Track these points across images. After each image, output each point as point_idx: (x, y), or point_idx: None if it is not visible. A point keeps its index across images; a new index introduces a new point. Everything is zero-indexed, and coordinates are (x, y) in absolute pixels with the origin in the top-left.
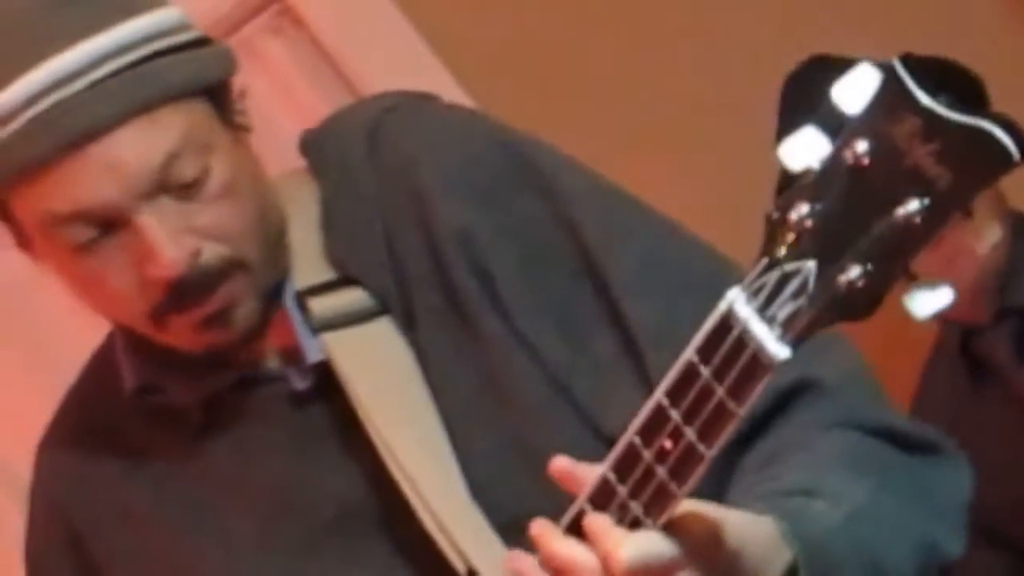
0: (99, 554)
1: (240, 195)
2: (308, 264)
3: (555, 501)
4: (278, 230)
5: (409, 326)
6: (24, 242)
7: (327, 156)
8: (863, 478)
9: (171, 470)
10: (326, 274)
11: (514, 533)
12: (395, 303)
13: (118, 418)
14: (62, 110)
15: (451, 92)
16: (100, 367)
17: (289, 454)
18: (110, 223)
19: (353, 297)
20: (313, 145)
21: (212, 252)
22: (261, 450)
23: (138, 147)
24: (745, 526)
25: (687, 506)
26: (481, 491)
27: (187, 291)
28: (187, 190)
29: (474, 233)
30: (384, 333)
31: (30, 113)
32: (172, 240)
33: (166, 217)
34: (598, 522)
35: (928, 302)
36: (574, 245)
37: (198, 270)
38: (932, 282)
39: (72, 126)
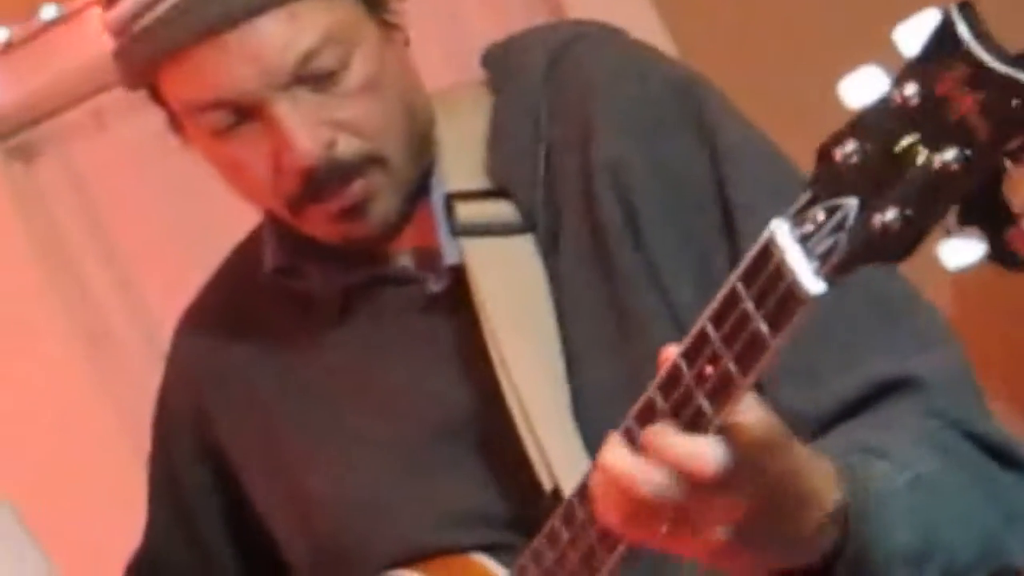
0: (221, 432)
1: (381, 92)
2: (464, 170)
3: None
4: (423, 131)
5: (550, 248)
6: (175, 125)
7: (507, 71)
8: (937, 456)
9: (299, 358)
10: (480, 183)
11: None
12: (541, 223)
13: (256, 301)
14: None
15: (656, 34)
16: (247, 249)
17: (411, 356)
18: (247, 111)
19: (501, 209)
20: (496, 59)
21: (347, 145)
22: (385, 349)
23: (276, 39)
24: (804, 454)
25: (751, 416)
26: (588, 421)
27: (321, 182)
28: (325, 82)
29: (627, 167)
30: (523, 250)
31: (172, 0)
32: (306, 130)
33: (302, 108)
34: (659, 432)
35: (960, 254)
36: (721, 200)
37: (332, 162)
38: (967, 234)
39: (209, 13)
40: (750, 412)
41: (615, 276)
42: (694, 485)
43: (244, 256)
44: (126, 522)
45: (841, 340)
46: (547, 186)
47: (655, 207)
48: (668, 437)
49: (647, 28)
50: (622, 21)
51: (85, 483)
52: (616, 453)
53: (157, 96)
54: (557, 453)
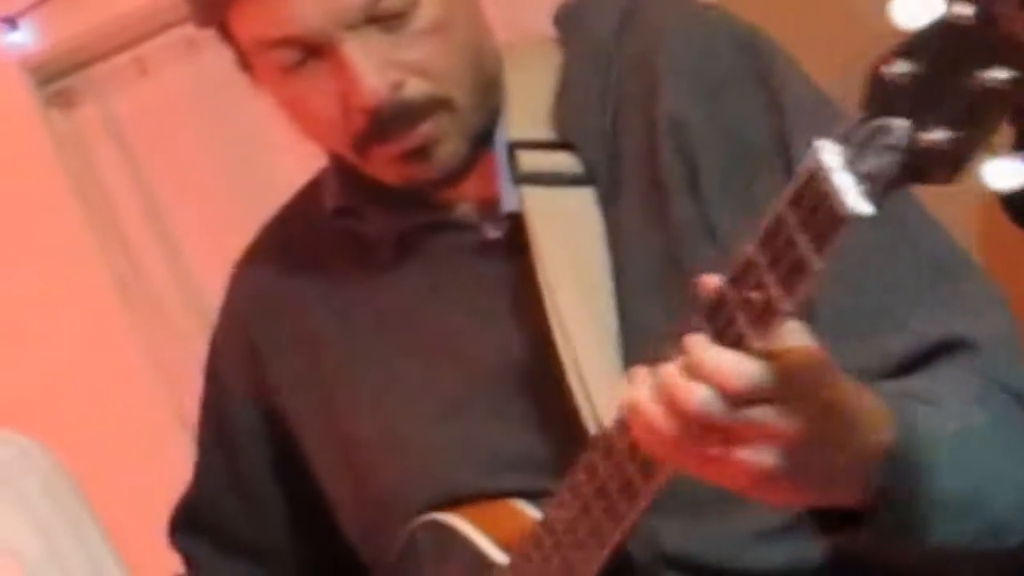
0: (274, 372)
1: (451, 35)
2: (530, 120)
3: None
4: (491, 77)
5: (609, 201)
6: (243, 63)
7: (578, 25)
8: (985, 413)
9: (354, 299)
10: (545, 133)
11: None
12: (603, 176)
13: (314, 242)
14: None
15: None
16: (308, 191)
17: (465, 301)
18: (315, 49)
19: (563, 161)
20: (567, 15)
21: (415, 87)
22: (439, 293)
23: None
24: (852, 387)
25: (796, 341)
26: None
27: (387, 123)
28: (395, 22)
29: (690, 121)
30: (583, 202)
31: None
32: (374, 70)
33: (370, 47)
34: (697, 342)
35: (1002, 174)
36: (783, 161)
37: (399, 102)
38: (1011, 156)
39: None
40: (795, 337)
41: (673, 231)
42: (734, 400)
43: (305, 198)
44: (156, 470)
45: (895, 299)
46: (611, 140)
47: (716, 163)
48: (705, 348)
49: None
50: None
51: (117, 430)
52: (665, 369)
53: (226, 33)
54: (604, 403)
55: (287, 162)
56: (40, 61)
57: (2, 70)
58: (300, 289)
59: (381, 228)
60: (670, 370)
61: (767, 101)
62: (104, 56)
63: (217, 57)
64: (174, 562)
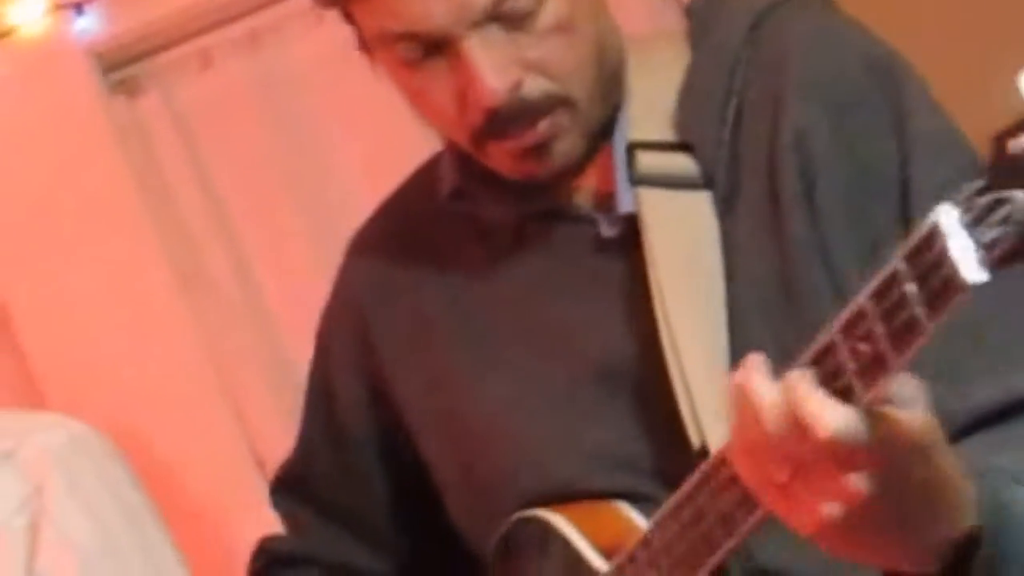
0: (382, 350)
1: (574, 33)
2: (651, 120)
3: None
4: (612, 75)
5: (726, 208)
6: (364, 47)
7: (708, 28)
8: None
9: (467, 283)
10: (665, 134)
11: None
12: (721, 182)
13: (429, 223)
14: None
15: None
16: (425, 172)
17: (576, 295)
18: (438, 45)
19: (682, 164)
20: (699, 14)
21: (535, 85)
22: (552, 284)
23: None
24: (952, 469)
25: (911, 413)
26: None
27: (506, 120)
28: (518, 21)
29: (813, 137)
30: (699, 207)
31: None
32: (495, 69)
33: (492, 46)
34: (801, 378)
35: None
36: (901, 188)
37: (518, 101)
38: None
39: None
40: (912, 408)
41: (787, 246)
42: (814, 443)
43: (422, 180)
44: (211, 462)
45: (992, 348)
46: (732, 146)
47: (835, 183)
48: (810, 391)
49: None
50: None
51: (173, 423)
52: (759, 379)
53: (348, 17)
54: (708, 410)
55: (349, 158)
56: (105, 48)
57: (67, 56)
58: (414, 270)
59: (498, 213)
60: (765, 387)
61: (893, 124)
62: (169, 46)
63: (281, 52)
64: (227, 555)
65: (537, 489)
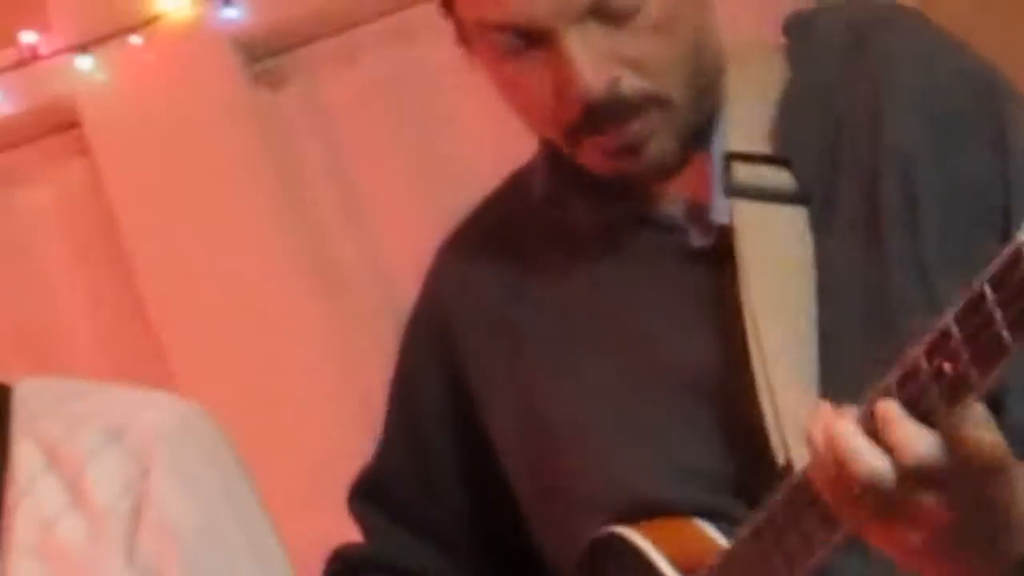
0: (467, 354)
1: (674, 33)
2: (748, 131)
3: None
4: (710, 77)
5: (822, 223)
6: (463, 39)
7: (808, 41)
8: None
9: (554, 291)
10: (762, 147)
11: None
12: (817, 198)
13: (521, 228)
14: None
15: None
16: (518, 178)
17: (664, 304)
18: (536, 37)
19: (779, 177)
20: (799, 29)
21: (632, 83)
22: (640, 292)
23: None
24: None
25: (983, 434)
26: (833, 399)
27: (601, 117)
28: (619, 18)
29: (915, 155)
30: (794, 221)
31: None
32: (592, 65)
33: (591, 41)
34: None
35: None
36: (1002, 208)
37: (614, 98)
38: None
39: None
40: (983, 430)
41: (884, 263)
42: (905, 473)
43: (516, 184)
44: (333, 451)
45: None
46: (830, 162)
47: (936, 202)
48: (894, 417)
49: None
50: None
51: (300, 411)
52: (845, 425)
53: (449, 7)
54: (795, 428)
55: (489, 160)
56: (251, 38)
57: (212, 44)
58: (502, 275)
59: (587, 218)
60: (851, 429)
61: (994, 143)
62: (315, 38)
63: (425, 49)
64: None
65: (614, 500)
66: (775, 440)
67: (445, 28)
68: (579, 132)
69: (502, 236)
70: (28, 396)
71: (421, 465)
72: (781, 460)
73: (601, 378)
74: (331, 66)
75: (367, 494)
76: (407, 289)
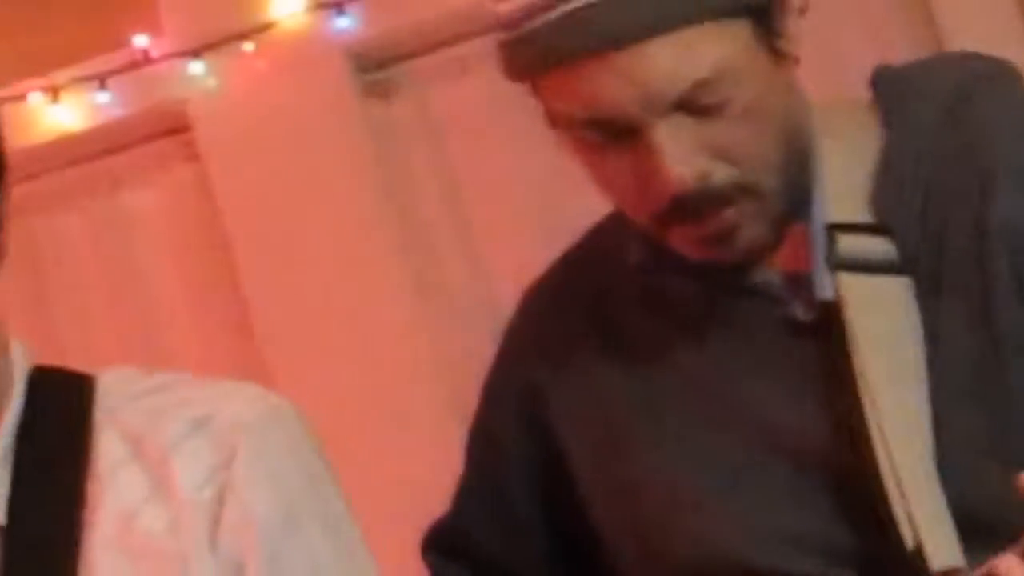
0: (554, 410)
1: (764, 121)
2: (847, 200)
3: (1018, 510)
4: (800, 160)
5: (929, 295)
6: (551, 122)
7: (902, 104)
8: None
9: (649, 355)
10: (862, 215)
11: (968, 526)
12: (923, 267)
13: (611, 287)
14: (597, 11)
15: None
16: (609, 233)
17: (766, 377)
18: (624, 131)
19: (881, 247)
20: (890, 87)
21: (722, 174)
22: (742, 364)
23: (665, 66)
24: None
25: None
26: (947, 476)
27: (690, 208)
28: (707, 110)
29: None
30: (900, 292)
31: (567, 8)
32: (681, 159)
33: (679, 135)
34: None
35: None
36: None
37: (704, 191)
38: None
39: (602, 30)
40: None
41: (996, 338)
42: None
43: (606, 241)
44: (429, 466)
45: None
46: (931, 231)
47: None
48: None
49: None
50: (993, 32)
51: (397, 421)
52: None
53: (536, 92)
54: (920, 506)
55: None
56: (363, 49)
57: (325, 54)
58: (593, 333)
59: (685, 287)
60: None
61: None
62: (427, 51)
63: None
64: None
65: (716, 568)
66: (902, 521)
67: None
68: (668, 222)
69: (591, 294)
70: (111, 387)
71: (504, 514)
72: (910, 543)
73: (698, 446)
74: (441, 79)
75: (444, 543)
76: (510, 305)
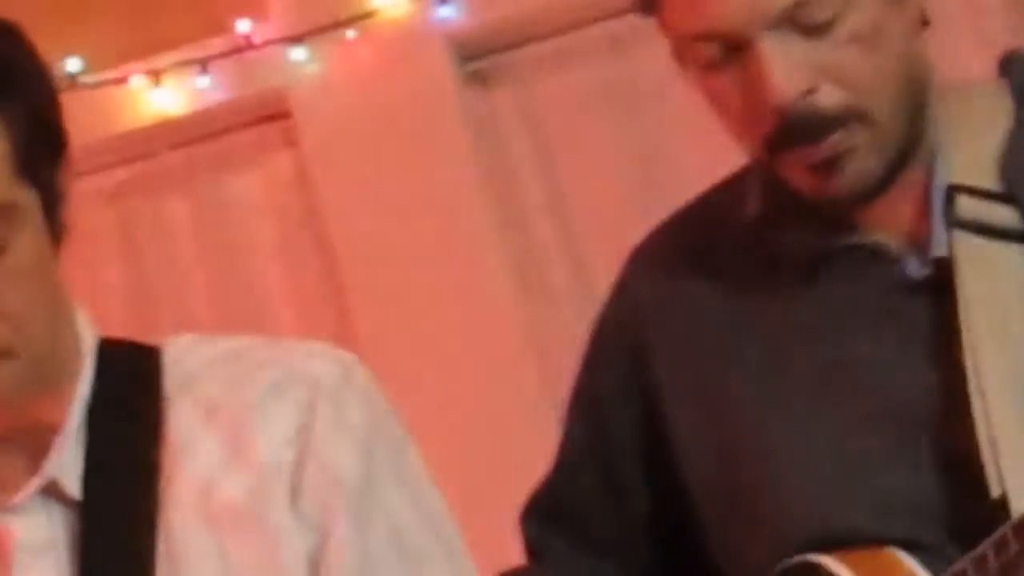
0: (659, 367)
1: (878, 52)
2: (975, 166)
3: None
4: (917, 102)
5: None
6: (675, 54)
7: None
8: None
9: (756, 311)
10: (987, 182)
11: None
12: None
13: (724, 248)
14: None
15: None
16: (726, 190)
17: (875, 335)
18: (736, 47)
19: (1004, 215)
20: (1020, 66)
21: (828, 94)
22: (850, 322)
23: None
24: None
25: None
26: None
27: (796, 127)
28: (816, 30)
29: None
30: (1016, 258)
31: None
32: (785, 71)
33: (786, 49)
34: None
35: None
36: None
37: (808, 108)
38: None
39: None
40: None
41: None
42: None
43: (722, 197)
44: (525, 458)
45: None
46: None
47: None
48: None
49: None
50: None
51: (495, 427)
52: None
53: (663, 24)
54: (1011, 461)
55: (694, 169)
56: (464, 38)
57: (426, 42)
58: (701, 288)
59: (800, 244)
60: None
61: None
62: (527, 41)
63: (637, 57)
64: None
65: (814, 532)
66: (991, 471)
67: (655, 38)
68: (777, 145)
69: (705, 254)
70: (181, 356)
71: (606, 478)
72: (995, 492)
73: (802, 404)
74: (542, 69)
75: (543, 511)
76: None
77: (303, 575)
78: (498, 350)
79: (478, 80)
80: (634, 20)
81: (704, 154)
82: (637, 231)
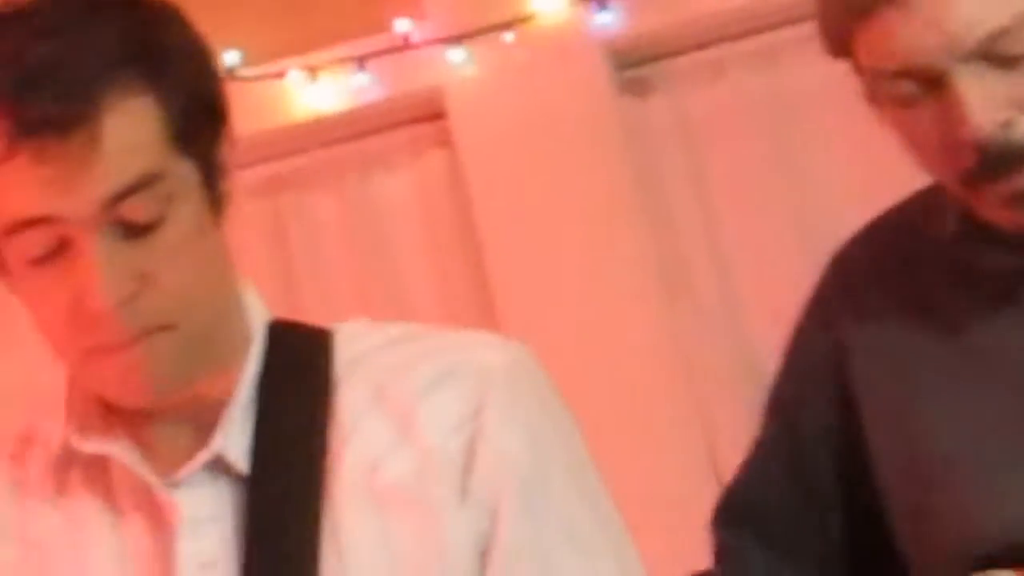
0: (856, 372)
1: None
2: None
3: None
4: None
5: None
6: (869, 95)
7: None
8: None
9: (953, 328)
10: None
11: None
12: None
13: (918, 258)
14: None
15: None
16: (921, 202)
17: None
18: (930, 81)
19: None
20: None
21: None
22: None
23: (966, 12)
24: None
25: None
26: None
27: (995, 162)
28: (1009, 61)
29: None
30: None
31: None
32: (983, 106)
33: (983, 83)
34: None
35: None
36: None
37: (1007, 141)
38: None
39: None
40: None
41: None
42: None
43: (917, 210)
44: (667, 464)
45: None
46: None
47: None
48: None
49: None
50: None
51: (634, 423)
52: None
53: (855, 63)
54: None
55: (844, 183)
56: (621, 46)
57: (584, 49)
58: (897, 302)
59: (998, 262)
60: None
61: None
62: (684, 51)
63: (791, 70)
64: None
65: (998, 545)
66: None
67: (809, 51)
68: (975, 179)
69: (900, 261)
70: (352, 339)
71: (800, 484)
72: None
73: (999, 421)
74: (697, 79)
75: (735, 514)
76: (754, 308)
77: (467, 556)
78: (643, 355)
79: (633, 88)
80: (789, 33)
81: (855, 167)
82: (785, 242)
